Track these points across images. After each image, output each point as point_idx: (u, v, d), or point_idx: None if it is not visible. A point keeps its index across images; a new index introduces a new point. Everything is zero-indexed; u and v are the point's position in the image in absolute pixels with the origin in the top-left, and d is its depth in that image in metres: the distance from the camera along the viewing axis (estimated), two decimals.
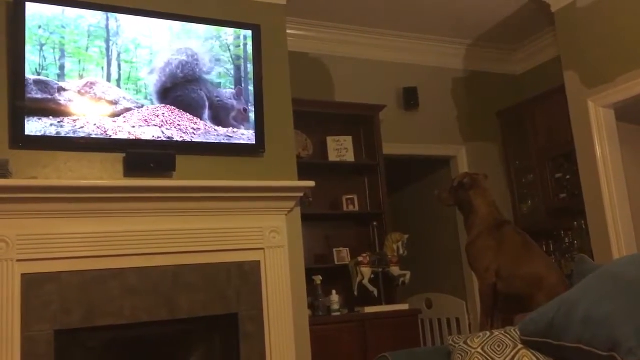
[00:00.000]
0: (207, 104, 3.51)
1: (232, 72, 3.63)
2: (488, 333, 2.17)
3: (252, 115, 3.63)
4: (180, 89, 3.46)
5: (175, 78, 3.45)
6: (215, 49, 3.58)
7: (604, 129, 4.38)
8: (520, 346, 2.07)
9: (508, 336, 2.12)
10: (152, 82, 3.40)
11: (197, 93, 3.48)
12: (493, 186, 5.46)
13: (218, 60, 3.58)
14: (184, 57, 3.48)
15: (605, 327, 1.75)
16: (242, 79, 3.64)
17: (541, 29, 5.42)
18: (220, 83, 3.57)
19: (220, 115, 3.55)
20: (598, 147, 4.38)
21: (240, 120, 3.58)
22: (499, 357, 2.05)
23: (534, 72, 5.74)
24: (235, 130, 3.57)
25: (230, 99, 3.58)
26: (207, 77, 3.54)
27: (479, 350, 2.09)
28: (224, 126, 3.55)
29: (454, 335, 5.03)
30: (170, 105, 3.43)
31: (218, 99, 3.53)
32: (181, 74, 3.47)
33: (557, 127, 4.98)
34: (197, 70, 3.50)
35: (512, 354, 2.05)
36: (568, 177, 4.97)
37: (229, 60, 3.63)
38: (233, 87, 3.60)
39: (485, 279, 3.06)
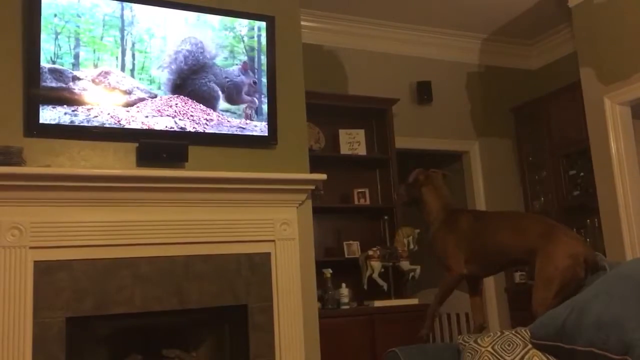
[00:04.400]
0: (219, 92, 3.50)
1: (243, 60, 3.61)
2: (499, 332, 2.17)
3: (264, 107, 3.62)
4: (190, 83, 3.45)
5: (182, 72, 3.44)
6: (221, 35, 3.55)
7: (619, 126, 4.34)
8: (530, 345, 2.06)
9: (518, 336, 2.11)
10: (164, 77, 3.39)
11: (207, 85, 3.47)
12: (505, 182, 5.55)
13: (223, 46, 3.55)
14: (188, 47, 3.47)
15: (618, 331, 1.74)
16: (256, 70, 3.64)
17: (558, 25, 5.37)
18: (226, 64, 3.56)
19: (234, 96, 3.55)
20: (613, 144, 4.34)
21: (253, 93, 3.58)
22: (509, 356, 2.04)
23: (550, 67, 5.69)
24: (248, 121, 3.57)
25: (239, 75, 3.57)
26: (212, 62, 3.52)
27: (489, 349, 2.09)
28: (239, 104, 3.54)
29: (464, 330, 5.05)
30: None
31: (227, 79, 3.52)
32: (185, 66, 3.45)
33: (572, 124, 4.93)
34: (202, 58, 3.47)
35: (522, 353, 2.05)
36: (582, 174, 4.93)
37: (243, 52, 3.62)
38: (238, 63, 3.59)
39: (455, 270, 3.07)
